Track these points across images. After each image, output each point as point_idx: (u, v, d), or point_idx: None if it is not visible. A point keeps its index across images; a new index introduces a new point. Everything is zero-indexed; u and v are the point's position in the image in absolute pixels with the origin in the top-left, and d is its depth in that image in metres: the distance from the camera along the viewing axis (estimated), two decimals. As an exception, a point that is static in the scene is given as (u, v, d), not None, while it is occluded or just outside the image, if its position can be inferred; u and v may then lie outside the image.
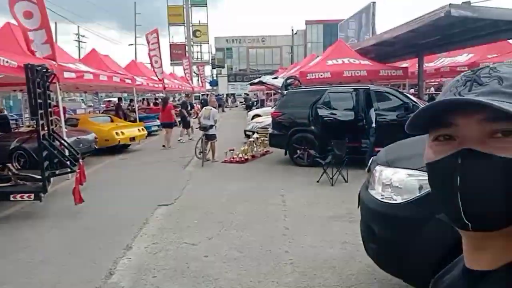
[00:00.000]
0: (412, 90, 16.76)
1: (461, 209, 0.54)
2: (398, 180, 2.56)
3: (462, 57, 16.01)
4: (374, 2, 18.31)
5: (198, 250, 4.47)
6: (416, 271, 2.43)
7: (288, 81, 10.13)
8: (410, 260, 2.43)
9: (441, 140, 0.58)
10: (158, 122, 18.13)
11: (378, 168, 2.83)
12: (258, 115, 16.79)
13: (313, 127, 8.77)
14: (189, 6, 44.17)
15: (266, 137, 11.01)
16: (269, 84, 11.64)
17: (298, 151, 9.07)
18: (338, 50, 12.67)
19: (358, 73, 11.38)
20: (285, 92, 9.63)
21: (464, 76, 0.58)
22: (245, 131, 13.43)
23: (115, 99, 24.30)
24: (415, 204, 2.42)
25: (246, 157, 9.99)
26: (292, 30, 58.95)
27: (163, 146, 13.28)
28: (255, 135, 10.81)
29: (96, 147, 10.83)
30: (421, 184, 2.42)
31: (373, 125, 7.87)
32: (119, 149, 12.53)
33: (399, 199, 2.52)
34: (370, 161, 3.30)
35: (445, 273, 0.71)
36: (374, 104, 8.06)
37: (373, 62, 12.27)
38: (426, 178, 1.97)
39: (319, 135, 8.67)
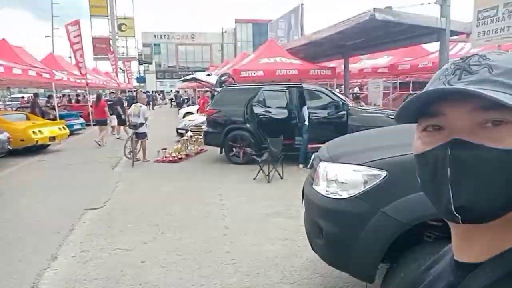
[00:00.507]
0: (337, 90, 17.63)
1: (452, 202, 0.52)
2: (344, 176, 2.60)
3: (383, 59, 17.19)
4: (302, 4, 18.90)
5: (133, 256, 4.20)
6: (362, 265, 2.49)
7: (222, 78, 10.03)
8: (356, 254, 2.47)
9: (430, 131, 0.57)
10: (81, 120, 17.02)
11: (322, 164, 2.85)
12: (190, 113, 16.46)
13: (248, 125, 8.78)
14: (113, -3, 42.04)
15: (200, 135, 10.81)
16: (203, 81, 11.42)
17: (234, 149, 9.02)
18: (270, 49, 12.85)
19: (289, 72, 11.63)
20: (219, 89, 9.50)
21: (453, 64, 0.56)
22: (177, 129, 13.05)
23: (30, 95, 22.19)
24: (361, 199, 2.47)
25: (180, 156, 9.70)
26: (222, 28, 58.93)
27: (98, 143, 12.46)
28: (189, 133, 10.54)
29: (10, 148, 9.76)
30: (365, 179, 2.47)
31: (306, 122, 8.08)
32: (37, 149, 11.45)
33: (345, 194, 2.55)
34: (313, 157, 3.33)
35: (431, 265, 0.69)
36: (307, 102, 8.27)
37: (303, 61, 12.62)
38: (371, 173, 1.98)
39: (255, 133, 8.70)
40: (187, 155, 10.04)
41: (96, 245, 4.52)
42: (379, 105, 12.16)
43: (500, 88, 0.50)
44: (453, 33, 9.41)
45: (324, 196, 2.70)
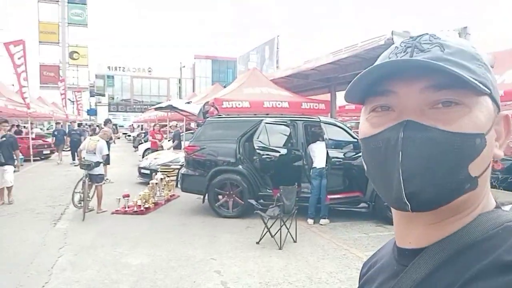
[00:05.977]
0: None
1: (403, 189, 0.47)
2: None
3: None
4: (278, 36, 17.72)
5: None
6: None
7: (206, 107, 8.10)
8: None
9: (379, 111, 0.52)
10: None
11: None
12: (150, 149, 14.13)
13: (241, 167, 6.83)
14: (66, 24, 39.27)
15: (170, 177, 8.69)
16: (181, 110, 9.43)
17: (221, 197, 6.95)
18: (254, 79, 11.15)
19: (279, 104, 9.95)
20: (202, 121, 7.55)
21: (403, 42, 0.53)
22: (139, 168, 10.70)
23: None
24: None
25: (146, 206, 7.43)
26: (181, 63, 57.68)
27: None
28: (159, 175, 8.30)
29: None
30: None
31: (322, 165, 6.27)
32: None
33: None
34: None
35: (373, 257, 0.66)
36: (325, 139, 6.46)
37: (292, 93, 11.05)
38: None
39: (250, 177, 6.75)
40: (155, 204, 7.79)
41: None
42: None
43: (453, 67, 0.46)
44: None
45: None
